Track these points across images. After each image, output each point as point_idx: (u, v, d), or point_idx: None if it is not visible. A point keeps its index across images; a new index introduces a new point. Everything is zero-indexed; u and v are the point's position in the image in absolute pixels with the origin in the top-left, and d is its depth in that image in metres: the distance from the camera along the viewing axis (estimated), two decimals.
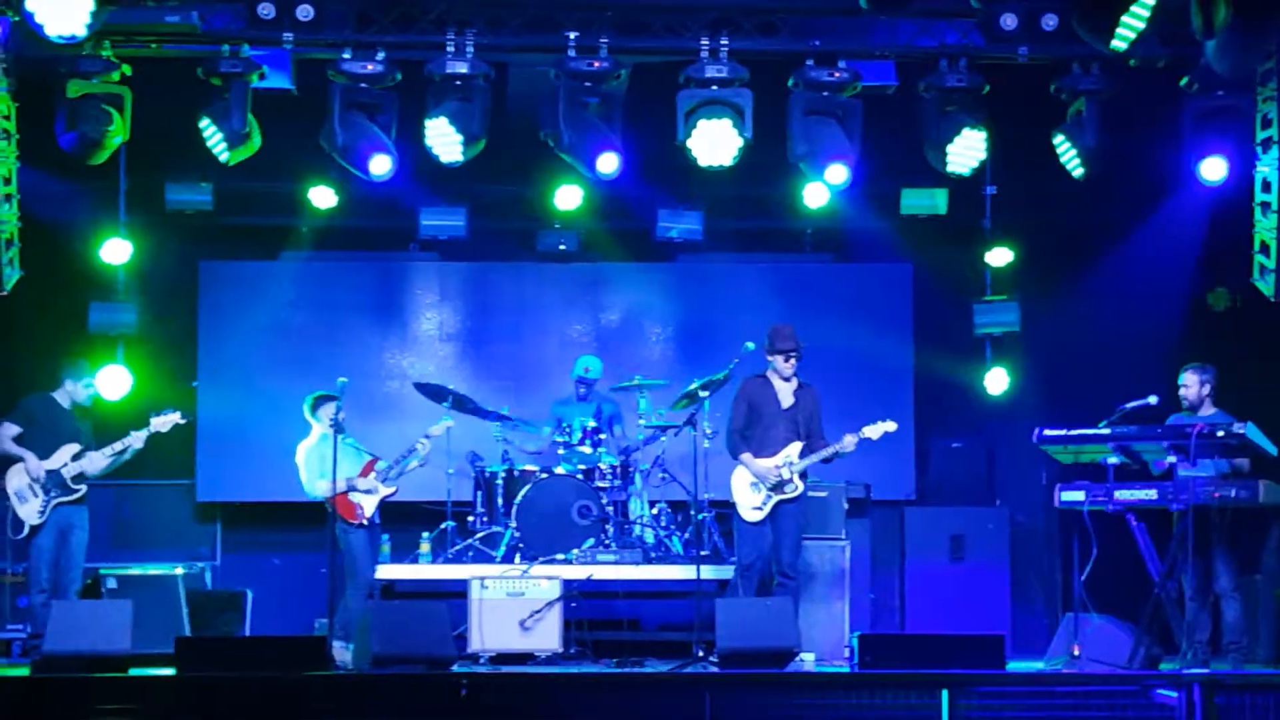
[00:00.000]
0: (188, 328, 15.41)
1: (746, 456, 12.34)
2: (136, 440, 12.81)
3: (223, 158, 12.91)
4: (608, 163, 12.96)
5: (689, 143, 12.80)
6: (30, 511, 12.52)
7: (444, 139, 12.78)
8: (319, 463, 12.97)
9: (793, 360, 12.40)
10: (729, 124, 12.73)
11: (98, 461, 12.75)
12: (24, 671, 11.59)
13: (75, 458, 12.67)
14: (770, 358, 12.46)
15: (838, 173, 13.12)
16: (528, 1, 12.78)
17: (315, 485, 13.00)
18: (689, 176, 13.54)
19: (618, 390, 14.46)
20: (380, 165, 12.85)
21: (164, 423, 12.92)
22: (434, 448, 13.51)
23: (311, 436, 13.11)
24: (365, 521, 13.02)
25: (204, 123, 12.81)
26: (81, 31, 11.74)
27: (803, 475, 12.36)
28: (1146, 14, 11.85)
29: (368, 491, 13.02)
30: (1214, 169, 13.06)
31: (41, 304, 13.93)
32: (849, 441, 12.23)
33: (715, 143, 12.81)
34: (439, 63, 12.72)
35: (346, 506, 12.95)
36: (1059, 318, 14.98)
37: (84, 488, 12.72)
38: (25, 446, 12.65)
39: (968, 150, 13.01)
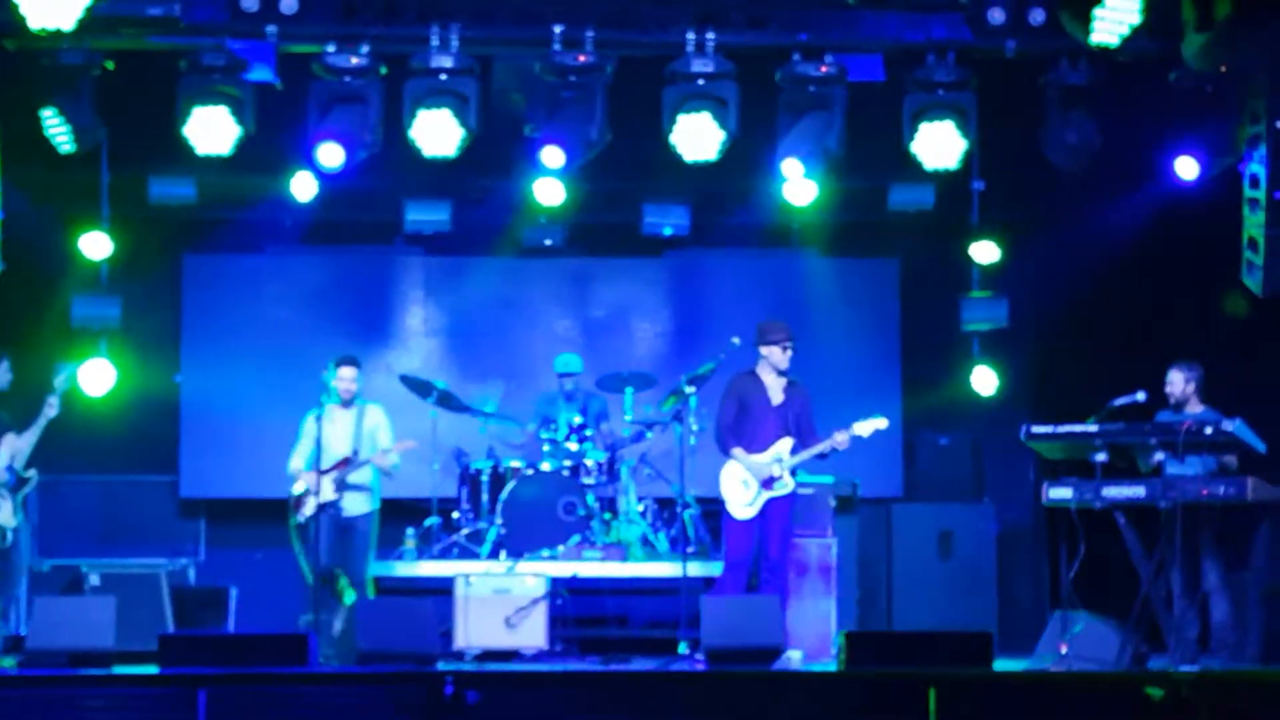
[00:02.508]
0: (171, 322, 15.39)
1: (739, 451, 12.30)
2: (52, 408, 12.57)
3: (221, 148, 12.74)
4: (553, 157, 12.90)
5: (673, 138, 12.75)
6: (6, 515, 12.38)
7: (439, 132, 12.66)
8: (307, 436, 12.84)
9: (789, 351, 12.38)
10: (709, 117, 12.66)
11: (30, 440, 12.58)
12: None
13: (16, 447, 12.51)
14: (765, 350, 12.41)
15: (793, 167, 13.09)
16: None
17: (293, 460, 12.88)
18: (675, 171, 13.48)
19: (607, 381, 14.42)
20: (330, 156, 12.74)
21: (64, 379, 12.75)
22: (420, 441, 13.41)
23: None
24: (301, 519, 12.76)
25: (211, 109, 12.61)
26: (69, 25, 11.67)
27: (792, 472, 12.33)
28: (1137, 7, 11.83)
29: (311, 491, 12.68)
30: (1187, 168, 13.09)
31: (24, 299, 13.88)
32: (841, 438, 12.20)
33: (698, 137, 12.74)
34: (423, 56, 12.65)
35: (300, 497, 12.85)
36: (1047, 313, 14.98)
37: (34, 472, 12.58)
38: None
39: (938, 144, 12.94)
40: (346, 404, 12.89)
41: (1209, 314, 13.97)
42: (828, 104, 12.91)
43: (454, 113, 12.54)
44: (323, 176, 13.72)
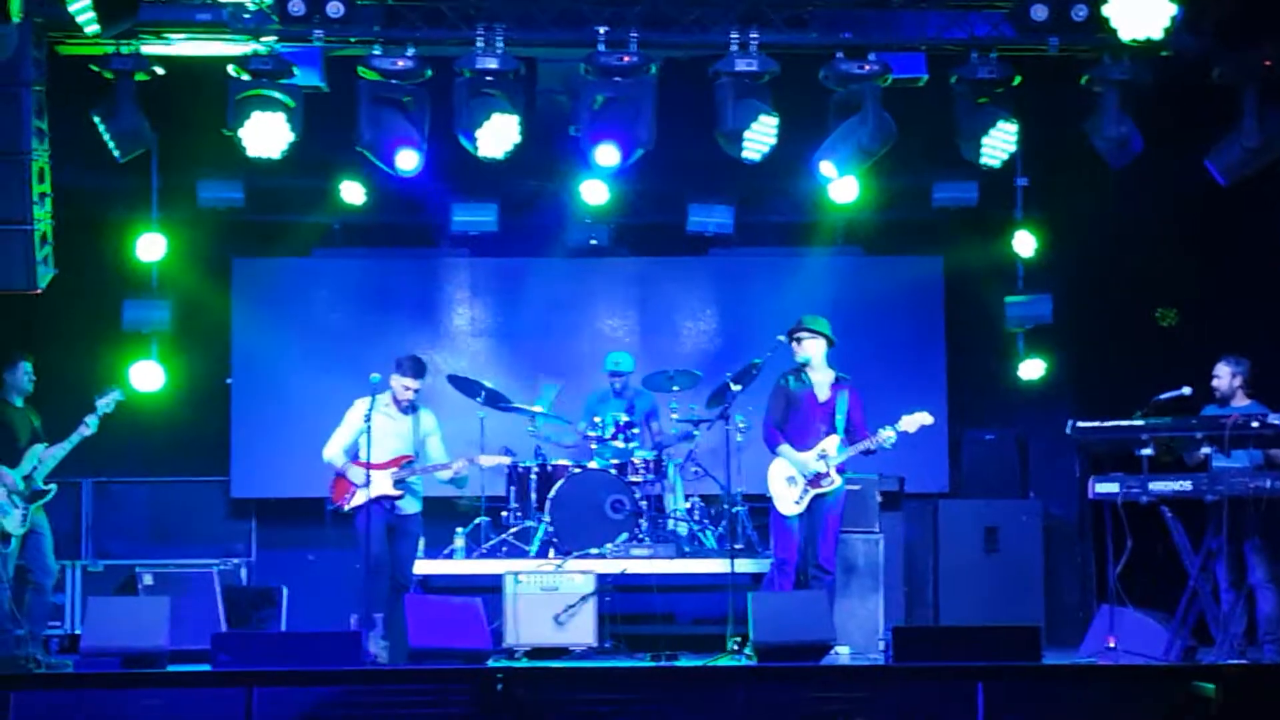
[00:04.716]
0: (221, 325, 15.46)
1: (785, 448, 12.35)
2: (87, 428, 12.67)
3: (272, 152, 12.77)
4: (607, 155, 12.92)
5: (746, 135, 12.73)
6: (14, 523, 12.43)
7: (500, 135, 12.68)
8: (347, 425, 12.85)
9: (804, 343, 12.44)
10: (774, 123, 12.68)
11: (56, 454, 12.67)
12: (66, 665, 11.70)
13: (41, 458, 12.61)
14: None
15: (827, 169, 13.13)
16: None
17: (329, 445, 12.86)
18: (719, 170, 13.52)
19: (654, 379, 14.45)
20: (407, 160, 12.81)
21: (108, 402, 12.82)
22: (467, 440, 13.47)
23: (384, 397, 12.89)
24: (346, 509, 12.77)
25: (268, 115, 12.64)
26: (94, 27, 11.76)
27: (840, 469, 12.36)
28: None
29: (361, 485, 12.68)
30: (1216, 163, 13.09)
31: (75, 302, 13.98)
32: (886, 436, 12.23)
33: (759, 138, 12.76)
34: (469, 59, 12.71)
35: (339, 485, 12.84)
36: (1091, 309, 14.95)
37: (55, 486, 12.66)
38: None
39: (1001, 142, 12.97)
40: (405, 409, 12.92)
41: (1254, 308, 13.96)
42: (862, 102, 12.92)
43: (521, 119, 12.61)
44: (377, 178, 13.80)
